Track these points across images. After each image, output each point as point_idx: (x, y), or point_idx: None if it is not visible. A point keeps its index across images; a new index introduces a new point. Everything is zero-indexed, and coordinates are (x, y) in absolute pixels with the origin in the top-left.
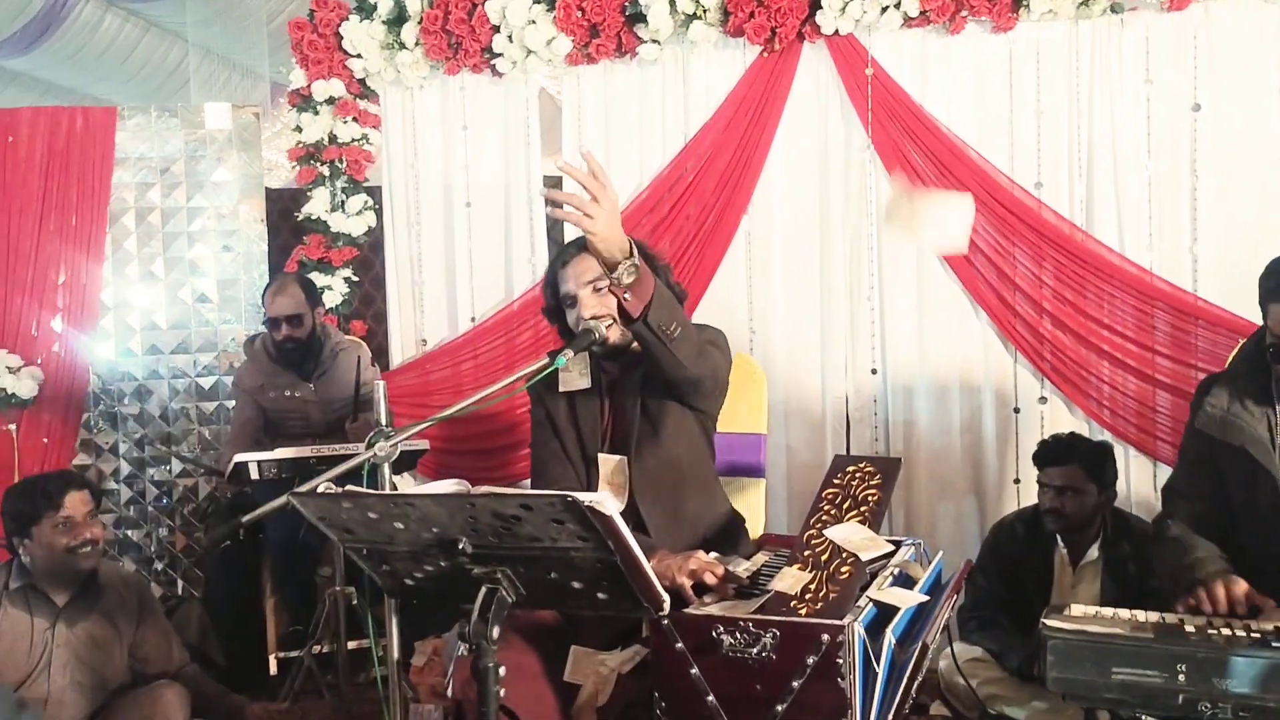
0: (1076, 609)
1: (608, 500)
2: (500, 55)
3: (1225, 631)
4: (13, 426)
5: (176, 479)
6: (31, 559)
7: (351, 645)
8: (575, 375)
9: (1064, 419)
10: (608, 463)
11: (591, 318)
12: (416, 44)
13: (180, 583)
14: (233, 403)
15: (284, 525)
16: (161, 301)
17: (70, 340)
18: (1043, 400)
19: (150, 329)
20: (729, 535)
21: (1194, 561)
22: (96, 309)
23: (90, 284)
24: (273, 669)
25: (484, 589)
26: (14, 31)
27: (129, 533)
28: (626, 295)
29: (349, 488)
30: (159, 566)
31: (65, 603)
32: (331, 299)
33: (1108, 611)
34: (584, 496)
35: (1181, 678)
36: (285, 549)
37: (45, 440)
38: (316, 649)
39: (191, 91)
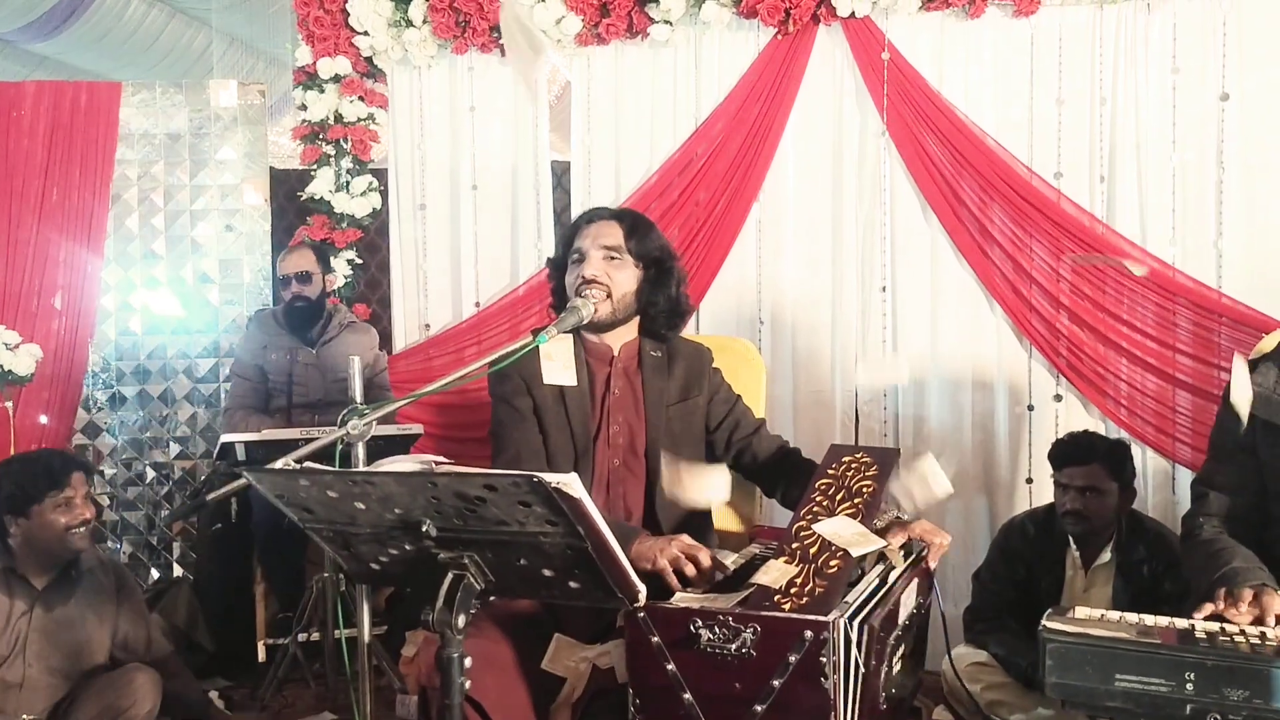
0: (1080, 611)
1: (575, 482)
2: None
3: (1239, 639)
4: (9, 404)
5: (175, 461)
6: (22, 539)
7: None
8: (560, 367)
9: (1079, 417)
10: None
11: (591, 278)
12: (424, 21)
13: (176, 567)
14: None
15: (270, 509)
16: (163, 281)
17: (70, 318)
18: (1058, 398)
19: (151, 308)
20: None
21: (1232, 571)
22: (97, 287)
23: (91, 262)
24: (261, 655)
25: (449, 575)
26: (40, 15)
27: (126, 515)
28: None
29: (306, 464)
30: (157, 549)
31: (45, 586)
32: (334, 281)
33: (1113, 614)
34: (550, 477)
35: (1190, 687)
36: (272, 534)
37: (43, 419)
38: (304, 636)
39: (215, 78)
